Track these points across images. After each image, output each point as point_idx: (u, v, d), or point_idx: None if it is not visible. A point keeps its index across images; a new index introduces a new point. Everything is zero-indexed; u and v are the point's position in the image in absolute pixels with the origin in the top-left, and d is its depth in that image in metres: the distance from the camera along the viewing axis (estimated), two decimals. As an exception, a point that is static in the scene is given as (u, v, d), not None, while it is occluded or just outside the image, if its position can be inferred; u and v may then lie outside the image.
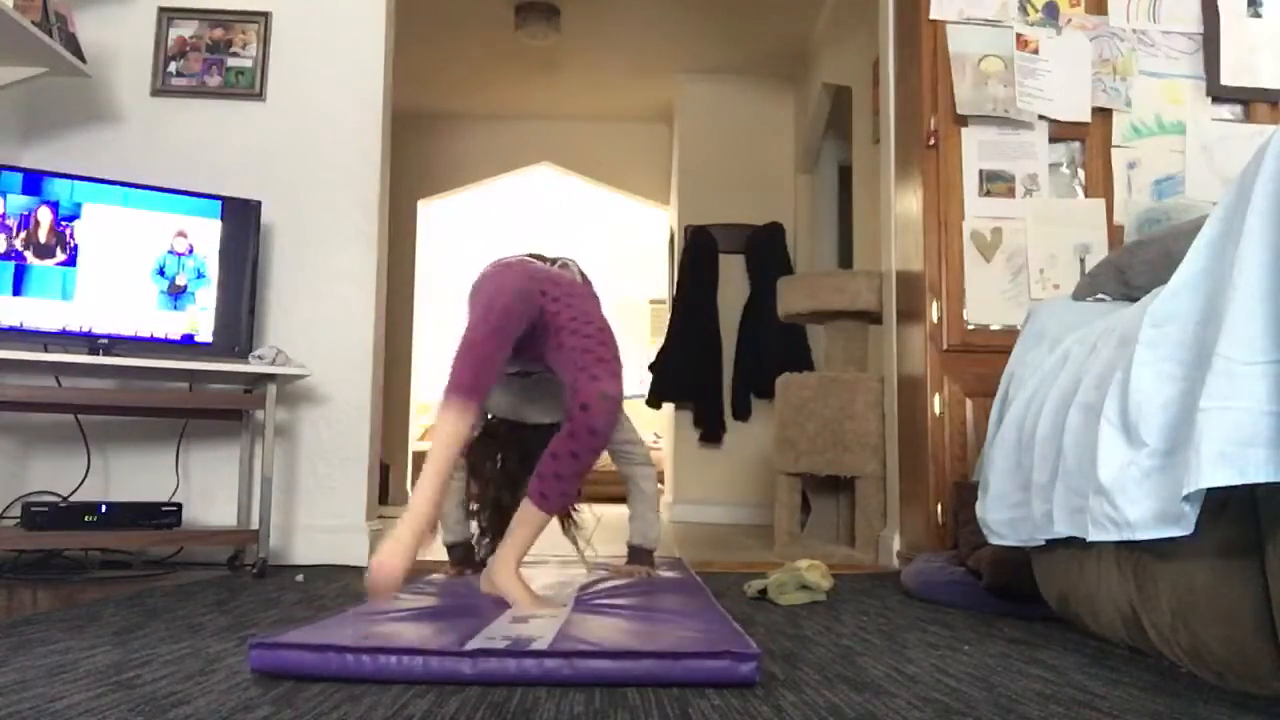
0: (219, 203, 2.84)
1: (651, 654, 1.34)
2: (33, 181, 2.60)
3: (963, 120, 2.93)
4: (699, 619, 1.71)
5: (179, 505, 2.69)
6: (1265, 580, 1.24)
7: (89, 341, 2.62)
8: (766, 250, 5.58)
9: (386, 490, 6.01)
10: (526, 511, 1.88)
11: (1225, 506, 1.27)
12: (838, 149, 5.25)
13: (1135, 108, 2.97)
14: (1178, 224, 2.28)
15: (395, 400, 5.96)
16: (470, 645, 1.37)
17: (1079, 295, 2.26)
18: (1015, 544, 1.93)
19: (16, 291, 2.54)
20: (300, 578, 2.56)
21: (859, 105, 4.47)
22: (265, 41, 3.11)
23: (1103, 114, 2.97)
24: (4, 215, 2.55)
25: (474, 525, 2.34)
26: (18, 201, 2.57)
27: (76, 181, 2.66)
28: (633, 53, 5.56)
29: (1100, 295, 2.17)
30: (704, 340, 5.59)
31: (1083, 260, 2.86)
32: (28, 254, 2.56)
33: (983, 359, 2.76)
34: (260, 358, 2.70)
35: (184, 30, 3.10)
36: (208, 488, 2.97)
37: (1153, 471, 1.30)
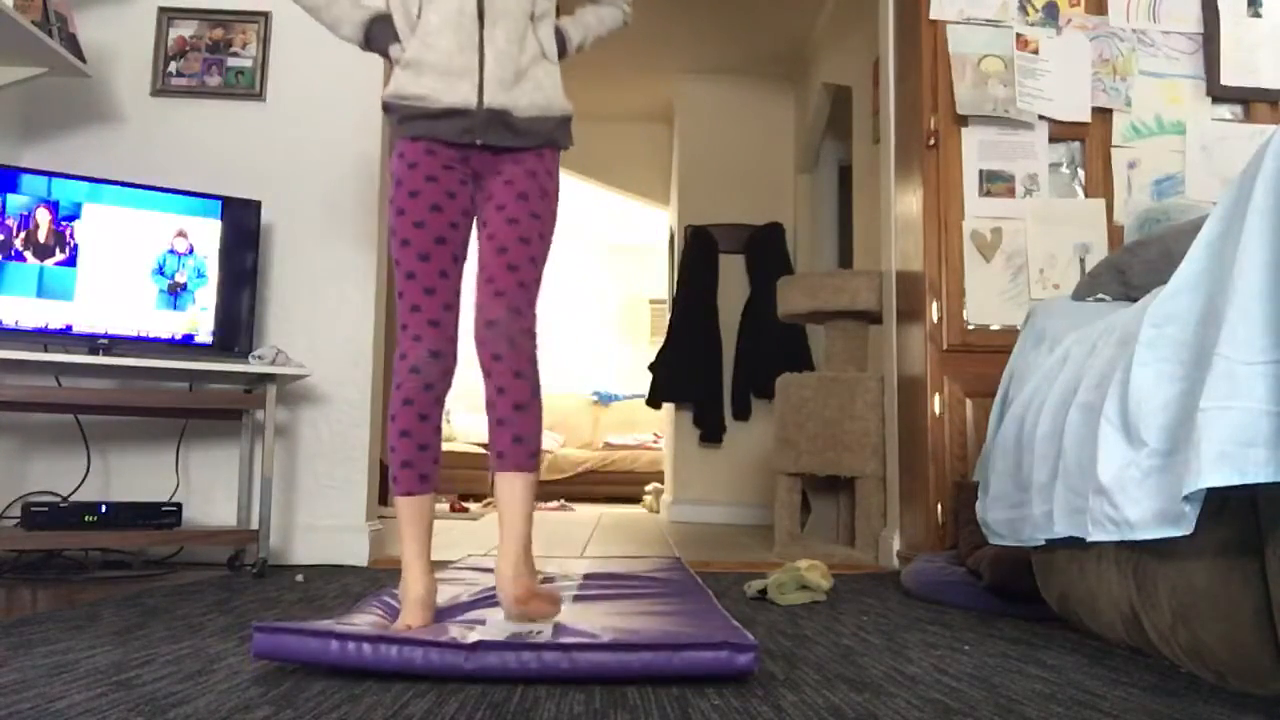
0: (219, 203, 2.84)
1: (649, 646, 1.35)
2: (32, 181, 2.60)
3: (963, 120, 2.93)
4: (697, 616, 1.71)
5: (179, 505, 2.69)
6: (1265, 580, 1.24)
7: (89, 341, 2.62)
8: (766, 250, 5.57)
9: (386, 490, 6.00)
10: (512, 488, 1.69)
11: (1225, 506, 1.27)
12: (838, 149, 5.25)
13: (1135, 108, 2.97)
14: (1178, 224, 2.28)
15: (395, 400, 5.95)
16: (470, 638, 1.37)
17: (1079, 295, 2.26)
18: (1015, 544, 1.93)
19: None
20: (300, 578, 2.56)
21: (859, 105, 4.47)
22: (265, 41, 3.11)
23: (1103, 114, 2.97)
24: (3, 215, 2.55)
25: None
26: (17, 201, 2.57)
27: (76, 181, 2.66)
28: (633, 53, 5.55)
29: (1100, 295, 2.17)
30: (704, 340, 5.58)
31: (1083, 260, 2.86)
32: (26, 253, 2.56)
33: (983, 359, 2.76)
34: (260, 358, 2.70)
35: (184, 30, 3.10)
36: (208, 488, 2.97)
37: (1153, 471, 1.30)
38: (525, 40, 1.80)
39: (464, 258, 1.80)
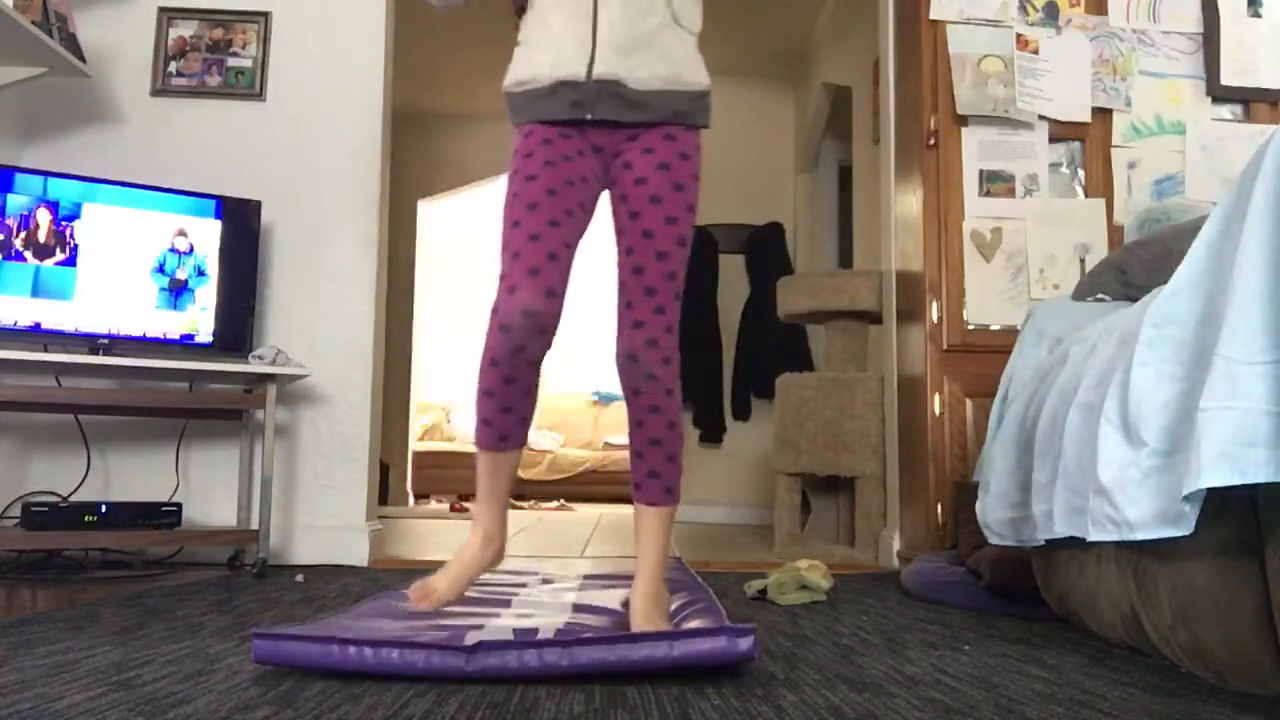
0: (219, 203, 2.84)
1: (649, 636, 1.35)
2: (32, 181, 2.60)
3: (963, 120, 2.93)
4: (698, 615, 1.71)
5: (179, 505, 2.69)
6: (1265, 580, 1.24)
7: (89, 341, 2.62)
8: (766, 250, 5.58)
9: (386, 490, 6.01)
10: (646, 521, 1.65)
11: (1225, 506, 1.28)
12: (838, 149, 5.25)
13: (1135, 108, 2.97)
14: (1178, 224, 2.28)
15: (395, 400, 5.96)
16: (471, 639, 1.37)
17: (1079, 295, 2.26)
18: (1015, 544, 1.93)
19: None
20: (300, 578, 2.56)
21: (859, 105, 4.47)
22: (265, 41, 3.11)
23: (1103, 114, 2.97)
24: (3, 215, 2.55)
25: None
26: (17, 201, 2.57)
27: (76, 181, 2.66)
28: (633, 53, 5.55)
29: (1100, 295, 2.17)
30: (704, 340, 5.58)
31: (1083, 260, 2.86)
32: (26, 253, 2.56)
33: (983, 359, 2.76)
34: (260, 358, 2.70)
35: (184, 30, 3.10)
36: (208, 488, 2.97)
37: (1153, 471, 1.30)
38: (652, 4, 1.59)
39: (581, 233, 1.68)
